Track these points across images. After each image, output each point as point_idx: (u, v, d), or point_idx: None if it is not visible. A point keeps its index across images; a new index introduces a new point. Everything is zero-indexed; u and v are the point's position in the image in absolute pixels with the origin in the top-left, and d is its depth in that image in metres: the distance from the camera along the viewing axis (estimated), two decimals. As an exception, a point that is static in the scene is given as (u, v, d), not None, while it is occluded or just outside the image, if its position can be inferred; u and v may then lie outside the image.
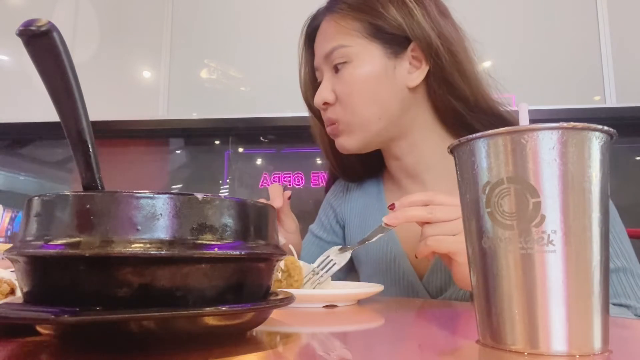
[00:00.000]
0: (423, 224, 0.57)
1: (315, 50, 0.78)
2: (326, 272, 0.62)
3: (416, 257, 0.59)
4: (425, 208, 0.56)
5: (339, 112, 0.74)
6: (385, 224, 0.58)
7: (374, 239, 0.61)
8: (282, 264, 0.58)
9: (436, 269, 0.72)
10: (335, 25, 0.74)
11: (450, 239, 0.54)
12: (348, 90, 0.73)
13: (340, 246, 0.65)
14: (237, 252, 0.29)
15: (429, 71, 0.72)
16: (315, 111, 0.83)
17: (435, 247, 0.55)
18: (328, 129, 0.78)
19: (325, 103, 0.75)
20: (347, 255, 0.64)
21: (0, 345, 0.29)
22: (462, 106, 0.72)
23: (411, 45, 0.72)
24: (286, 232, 0.81)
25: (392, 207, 0.59)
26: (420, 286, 0.74)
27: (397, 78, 0.72)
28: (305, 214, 2.30)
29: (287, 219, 0.81)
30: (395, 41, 0.72)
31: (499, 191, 0.29)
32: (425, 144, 0.77)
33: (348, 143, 0.75)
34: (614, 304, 0.63)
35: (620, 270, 0.64)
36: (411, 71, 0.73)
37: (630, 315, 0.62)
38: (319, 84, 0.78)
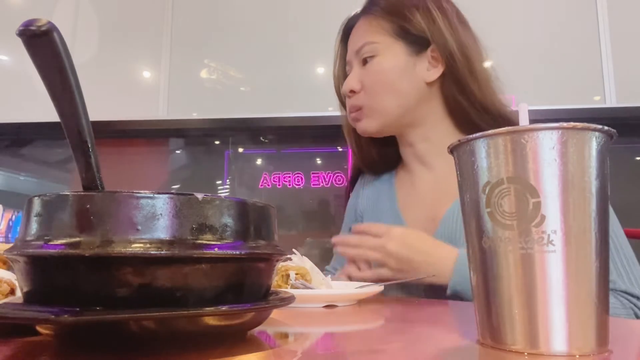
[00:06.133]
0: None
1: (348, 46, 0.89)
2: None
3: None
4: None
5: (363, 99, 0.85)
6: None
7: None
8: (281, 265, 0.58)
9: None
10: (368, 24, 0.86)
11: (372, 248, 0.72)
12: (373, 80, 0.83)
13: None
14: (237, 252, 0.29)
15: (443, 70, 0.82)
16: (345, 102, 0.92)
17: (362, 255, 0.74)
18: (351, 115, 0.88)
19: (352, 91, 0.85)
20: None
21: (0, 345, 0.29)
22: (469, 105, 0.81)
23: (431, 47, 0.82)
24: None
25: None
26: None
27: (416, 73, 0.83)
28: (306, 214, 2.30)
29: None
30: (417, 42, 0.82)
31: (499, 191, 0.29)
32: (436, 134, 0.86)
33: (369, 125, 0.85)
34: None
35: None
36: (429, 69, 0.83)
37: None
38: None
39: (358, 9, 0.92)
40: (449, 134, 0.85)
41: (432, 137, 0.86)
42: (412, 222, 0.86)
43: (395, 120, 0.84)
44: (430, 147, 0.86)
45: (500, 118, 0.80)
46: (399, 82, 0.82)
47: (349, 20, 0.92)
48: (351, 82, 0.85)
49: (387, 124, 0.85)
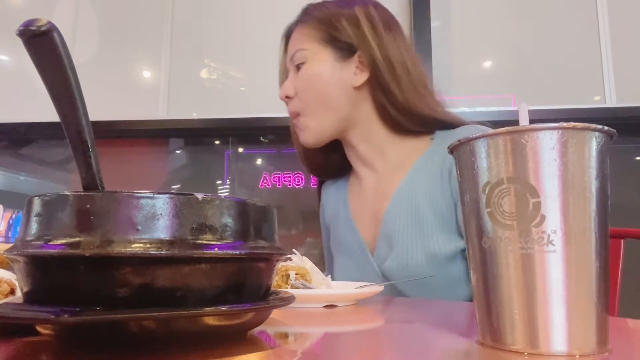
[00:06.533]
0: None
1: (287, 54, 0.95)
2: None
3: None
4: None
5: (297, 104, 0.89)
6: None
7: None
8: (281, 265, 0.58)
9: (380, 246, 0.85)
10: (300, 33, 0.90)
11: None
12: (303, 85, 0.88)
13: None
14: (237, 252, 0.29)
15: (370, 75, 0.85)
16: None
17: None
18: (293, 122, 0.93)
19: (287, 97, 0.90)
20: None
21: (0, 345, 0.29)
22: (392, 108, 0.85)
23: (358, 52, 0.85)
24: None
25: None
26: (372, 260, 0.86)
27: (344, 78, 0.86)
28: (305, 214, 2.30)
29: None
30: (345, 48, 0.86)
31: (499, 191, 0.29)
32: (373, 135, 0.89)
33: (307, 138, 0.89)
34: None
35: None
36: (356, 73, 0.86)
37: None
38: None
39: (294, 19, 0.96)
40: (384, 135, 0.88)
41: (370, 137, 0.89)
42: (361, 226, 0.90)
43: (329, 128, 0.88)
44: (369, 148, 0.90)
45: (427, 120, 0.83)
46: (326, 86, 0.86)
47: (287, 30, 0.97)
48: (285, 89, 0.90)
49: (322, 135, 0.88)
